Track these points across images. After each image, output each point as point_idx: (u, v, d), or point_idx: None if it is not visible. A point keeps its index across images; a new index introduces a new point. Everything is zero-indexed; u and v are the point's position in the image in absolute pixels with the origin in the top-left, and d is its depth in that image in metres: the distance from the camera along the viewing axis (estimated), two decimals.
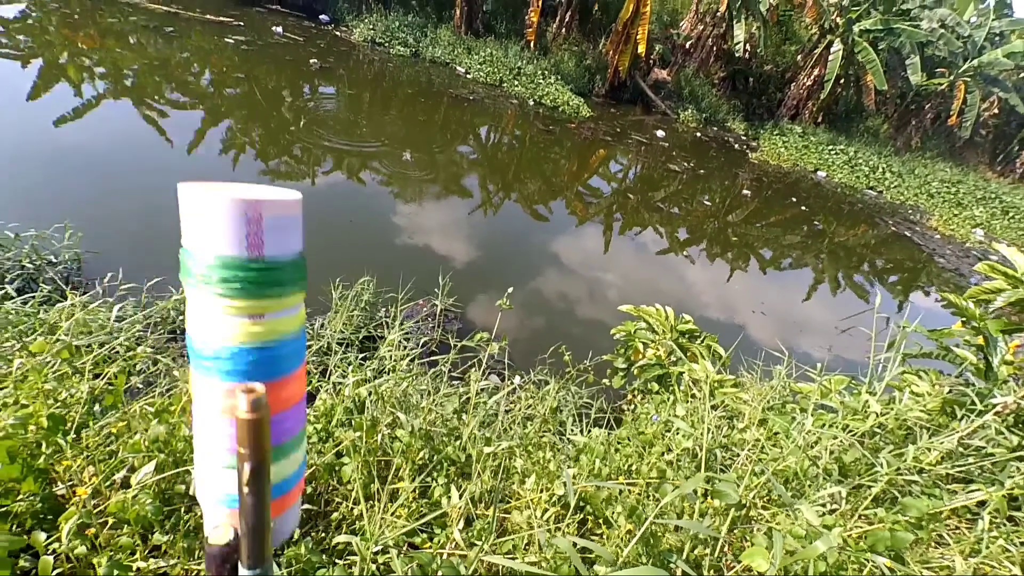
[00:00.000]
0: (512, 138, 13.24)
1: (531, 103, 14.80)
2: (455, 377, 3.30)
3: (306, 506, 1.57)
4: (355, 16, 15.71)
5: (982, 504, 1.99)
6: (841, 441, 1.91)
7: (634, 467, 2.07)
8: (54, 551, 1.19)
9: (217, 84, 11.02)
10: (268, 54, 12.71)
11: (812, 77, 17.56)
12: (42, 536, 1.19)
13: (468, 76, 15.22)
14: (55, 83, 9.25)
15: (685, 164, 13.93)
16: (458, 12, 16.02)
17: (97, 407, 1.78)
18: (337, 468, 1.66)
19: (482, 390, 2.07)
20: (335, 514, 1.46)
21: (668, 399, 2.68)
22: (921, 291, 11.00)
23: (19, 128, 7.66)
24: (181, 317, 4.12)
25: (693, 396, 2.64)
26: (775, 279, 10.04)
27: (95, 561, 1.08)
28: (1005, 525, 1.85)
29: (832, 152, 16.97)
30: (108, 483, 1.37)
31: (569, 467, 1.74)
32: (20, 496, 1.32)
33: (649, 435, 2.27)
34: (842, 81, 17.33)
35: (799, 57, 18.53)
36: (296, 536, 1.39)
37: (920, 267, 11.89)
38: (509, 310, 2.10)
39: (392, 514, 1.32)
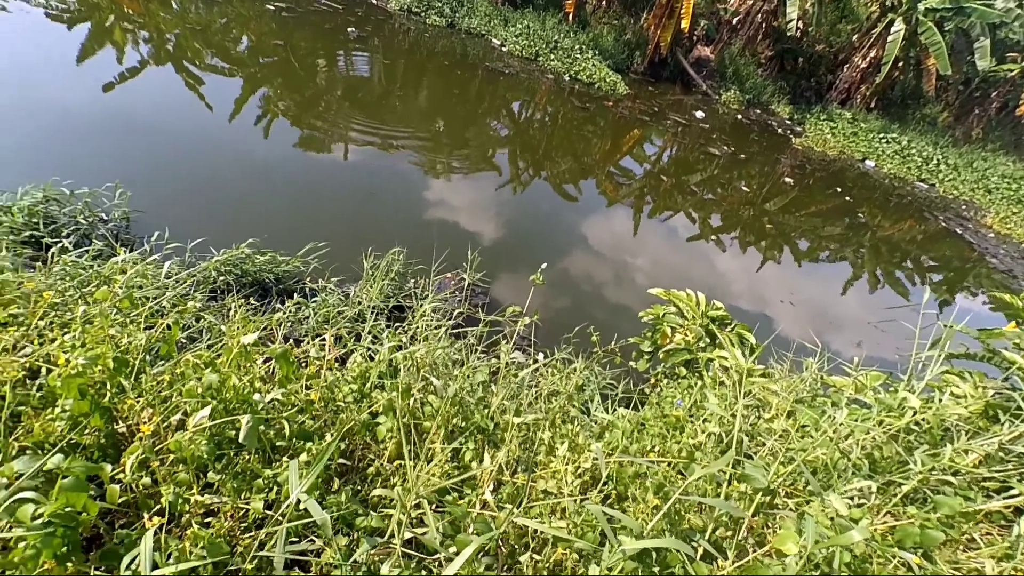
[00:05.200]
0: (545, 114, 12.99)
1: (567, 78, 14.43)
2: (480, 351, 3.36)
3: (342, 460, 1.65)
4: None
5: (1020, 512, 1.93)
6: (874, 437, 1.87)
7: (658, 448, 2.08)
8: (119, 481, 1.30)
9: (255, 51, 11.13)
10: (307, 22, 12.72)
11: (868, 59, 16.50)
12: (108, 467, 1.30)
13: (504, 49, 14.90)
14: (101, 47, 9.52)
15: (724, 147, 13.43)
16: None
17: (147, 357, 1.90)
18: (372, 427, 1.74)
19: (511, 362, 2.10)
20: (370, 469, 1.53)
21: (696, 384, 2.67)
22: (968, 292, 10.46)
23: (70, 91, 7.95)
24: (221, 277, 4.29)
25: (721, 384, 2.61)
26: (809, 271, 9.71)
27: (162, 491, 1.17)
28: None
29: (883, 140, 16.03)
30: (165, 424, 1.47)
31: (595, 443, 1.77)
32: (88, 431, 1.43)
33: (674, 417, 2.27)
34: (900, 64, 16.22)
35: (855, 37, 17.40)
36: (336, 486, 1.47)
37: (969, 267, 11.27)
38: (541, 286, 2.11)
39: (426, 472, 1.38)
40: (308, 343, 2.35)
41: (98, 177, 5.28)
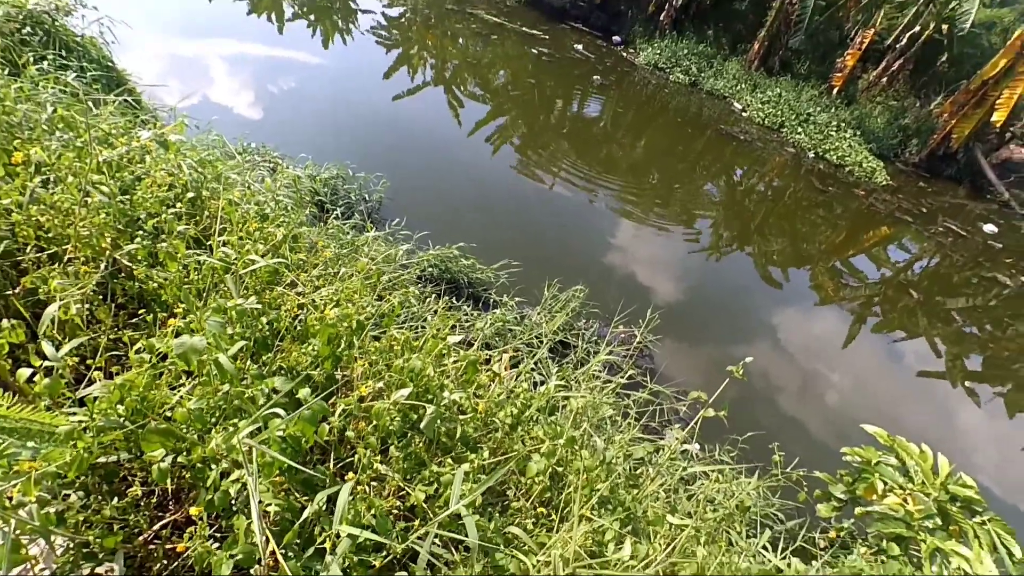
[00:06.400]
0: (770, 188, 11.83)
1: (811, 155, 12.92)
2: (637, 418, 3.14)
3: (482, 475, 1.69)
4: (646, 40, 16.17)
5: None
6: None
7: None
8: (328, 422, 1.56)
9: (509, 85, 12.84)
10: (560, 66, 14.15)
11: None
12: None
13: (744, 114, 14.14)
14: (402, 67, 12.22)
15: (1018, 277, 10.24)
16: (756, 46, 14.95)
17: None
18: (524, 458, 1.74)
19: (681, 452, 1.89)
20: (514, 504, 1.53)
21: (912, 574, 2.00)
22: None
23: (375, 98, 10.41)
24: (430, 268, 4.98)
25: None
26: None
27: (358, 448, 1.37)
28: None
29: None
30: (368, 388, 1.72)
31: None
32: (319, 371, 1.76)
33: None
34: None
35: None
36: (479, 501, 1.51)
37: None
38: (742, 380, 1.86)
39: (571, 539, 1.31)
40: (480, 350, 2.52)
41: (371, 164, 6.73)
